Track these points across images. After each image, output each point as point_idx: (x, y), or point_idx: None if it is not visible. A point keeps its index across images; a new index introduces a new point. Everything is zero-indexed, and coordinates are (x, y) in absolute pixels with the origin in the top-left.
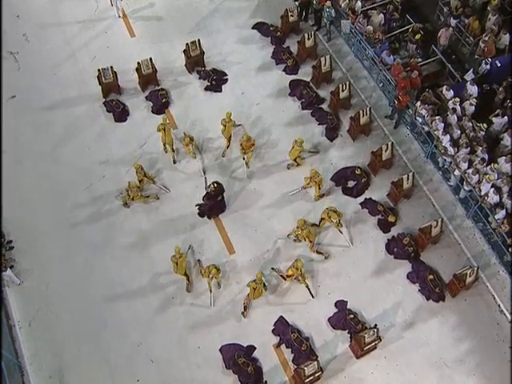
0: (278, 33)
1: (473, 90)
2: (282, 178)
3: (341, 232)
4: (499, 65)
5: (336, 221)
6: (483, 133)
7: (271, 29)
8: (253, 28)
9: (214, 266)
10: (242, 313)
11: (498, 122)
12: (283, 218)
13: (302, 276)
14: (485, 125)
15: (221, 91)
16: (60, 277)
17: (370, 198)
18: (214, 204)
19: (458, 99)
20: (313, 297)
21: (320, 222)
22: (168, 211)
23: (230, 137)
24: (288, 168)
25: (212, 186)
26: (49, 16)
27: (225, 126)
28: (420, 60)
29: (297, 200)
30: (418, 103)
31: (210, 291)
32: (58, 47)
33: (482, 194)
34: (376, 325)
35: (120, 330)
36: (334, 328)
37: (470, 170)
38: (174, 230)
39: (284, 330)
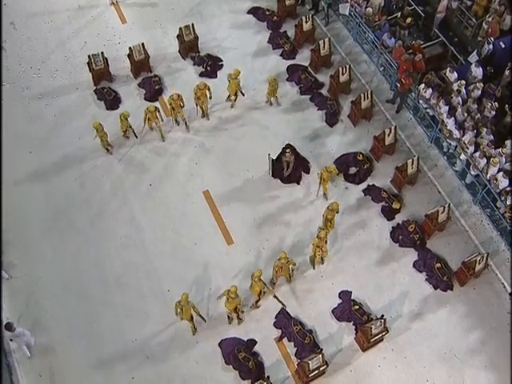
0: (275, 17)
1: (478, 72)
2: None
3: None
4: (503, 46)
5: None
6: (494, 113)
7: (267, 13)
8: (248, 13)
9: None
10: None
11: None
12: (282, 205)
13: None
14: (496, 104)
15: (216, 77)
16: (50, 270)
17: (373, 185)
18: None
19: (463, 82)
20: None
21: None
22: (162, 200)
23: (236, 93)
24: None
25: (288, 149)
26: (36, 3)
27: (229, 81)
28: (422, 42)
29: (294, 187)
30: (422, 86)
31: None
32: (47, 35)
33: (488, 177)
34: (383, 315)
35: (114, 325)
36: (338, 320)
37: (477, 154)
38: (169, 220)
39: (286, 323)
